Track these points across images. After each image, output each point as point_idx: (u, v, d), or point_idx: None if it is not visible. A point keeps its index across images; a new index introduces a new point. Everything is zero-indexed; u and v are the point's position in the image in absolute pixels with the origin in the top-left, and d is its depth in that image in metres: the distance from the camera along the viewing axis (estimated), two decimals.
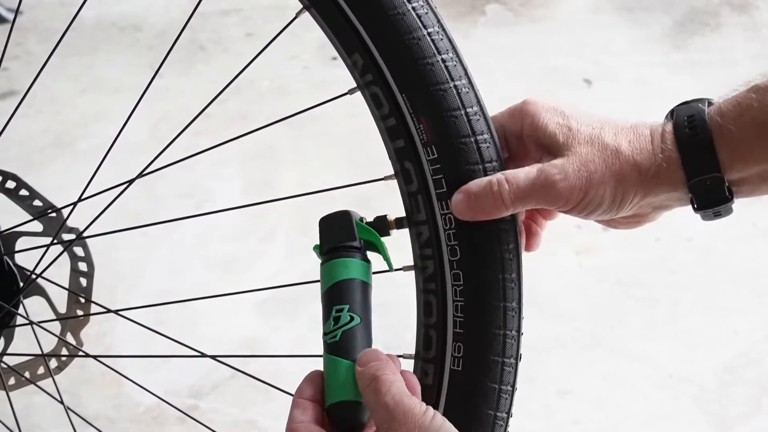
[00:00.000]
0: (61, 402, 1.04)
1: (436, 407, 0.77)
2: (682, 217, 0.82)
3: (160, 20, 2.62)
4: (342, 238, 0.79)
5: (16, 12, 1.96)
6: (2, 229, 1.00)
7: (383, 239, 0.80)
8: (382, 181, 0.83)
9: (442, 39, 0.78)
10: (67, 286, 1.02)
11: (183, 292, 1.73)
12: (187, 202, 1.99)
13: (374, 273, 0.80)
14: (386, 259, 0.80)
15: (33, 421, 1.54)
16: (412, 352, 0.81)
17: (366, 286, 0.78)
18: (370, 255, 0.80)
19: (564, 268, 1.84)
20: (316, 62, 2.45)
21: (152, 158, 0.92)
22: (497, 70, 2.33)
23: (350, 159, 2.10)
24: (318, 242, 0.80)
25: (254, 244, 1.90)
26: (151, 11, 2.66)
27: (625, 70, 2.38)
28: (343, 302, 0.76)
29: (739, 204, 0.74)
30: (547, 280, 1.78)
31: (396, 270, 0.82)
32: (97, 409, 1.57)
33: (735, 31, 2.56)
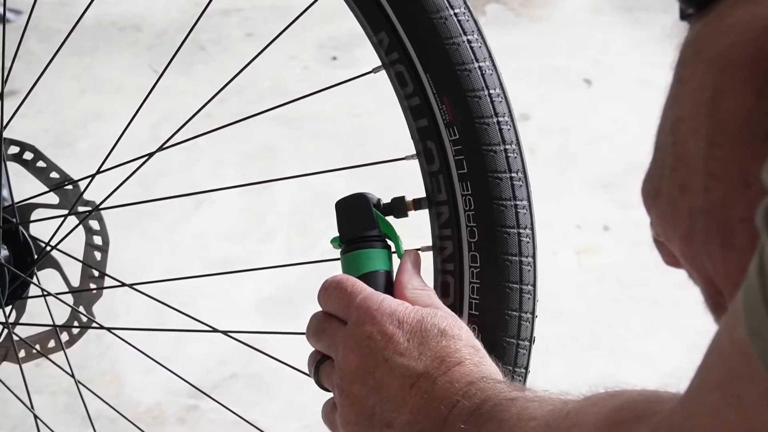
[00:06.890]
0: (72, 375, 1.04)
1: None
2: None
3: (160, 20, 2.62)
4: (363, 227, 0.79)
5: (29, 15, 1.95)
6: (19, 200, 1.00)
7: (401, 220, 0.81)
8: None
9: (468, 20, 0.78)
10: (81, 259, 1.01)
11: (182, 291, 1.73)
12: (187, 201, 1.99)
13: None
14: (399, 251, 0.81)
15: (32, 421, 1.54)
16: None
17: (389, 275, 0.79)
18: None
19: (564, 268, 1.83)
20: (316, 62, 2.45)
21: (170, 134, 0.92)
22: None
23: (350, 159, 2.10)
24: (336, 230, 0.80)
25: (253, 244, 1.90)
26: (151, 11, 2.66)
27: (625, 70, 2.38)
28: None
29: None
30: (547, 280, 1.77)
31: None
32: (97, 409, 1.56)
33: None
